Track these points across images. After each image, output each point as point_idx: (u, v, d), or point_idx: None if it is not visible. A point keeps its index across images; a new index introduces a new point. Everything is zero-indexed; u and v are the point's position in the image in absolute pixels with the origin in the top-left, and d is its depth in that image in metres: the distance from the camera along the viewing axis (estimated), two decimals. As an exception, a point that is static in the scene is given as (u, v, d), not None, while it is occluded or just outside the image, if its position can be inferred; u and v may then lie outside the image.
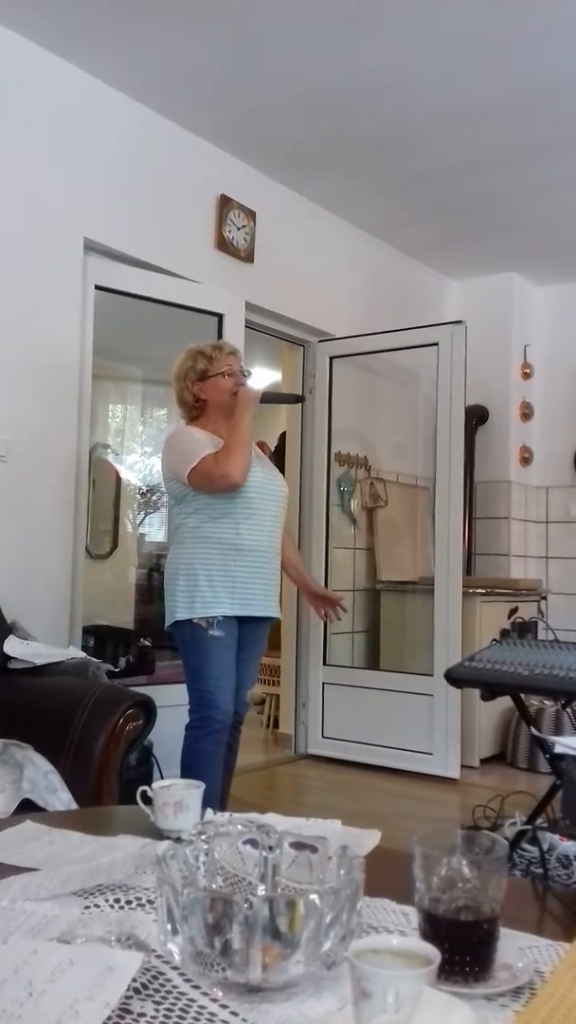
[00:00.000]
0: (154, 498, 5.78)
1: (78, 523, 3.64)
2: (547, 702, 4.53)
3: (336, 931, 0.95)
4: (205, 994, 0.93)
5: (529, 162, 4.31)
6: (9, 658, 2.73)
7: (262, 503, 2.91)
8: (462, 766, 4.50)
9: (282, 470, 4.80)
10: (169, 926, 0.96)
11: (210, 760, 2.81)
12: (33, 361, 3.44)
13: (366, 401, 5.43)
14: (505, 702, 4.29)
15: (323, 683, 4.91)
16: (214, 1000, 0.92)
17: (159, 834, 1.46)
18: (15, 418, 3.37)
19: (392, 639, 5.24)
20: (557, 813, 2.81)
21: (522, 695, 3.05)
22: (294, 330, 4.92)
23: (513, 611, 5.07)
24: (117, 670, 3.74)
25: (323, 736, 4.87)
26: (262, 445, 3.35)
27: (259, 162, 4.42)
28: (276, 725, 5.24)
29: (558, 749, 1.88)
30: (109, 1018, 0.85)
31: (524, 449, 5.94)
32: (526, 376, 5.94)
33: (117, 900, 1.17)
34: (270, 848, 1.15)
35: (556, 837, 2.75)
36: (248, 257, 4.40)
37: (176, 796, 1.47)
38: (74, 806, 2.14)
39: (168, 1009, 0.90)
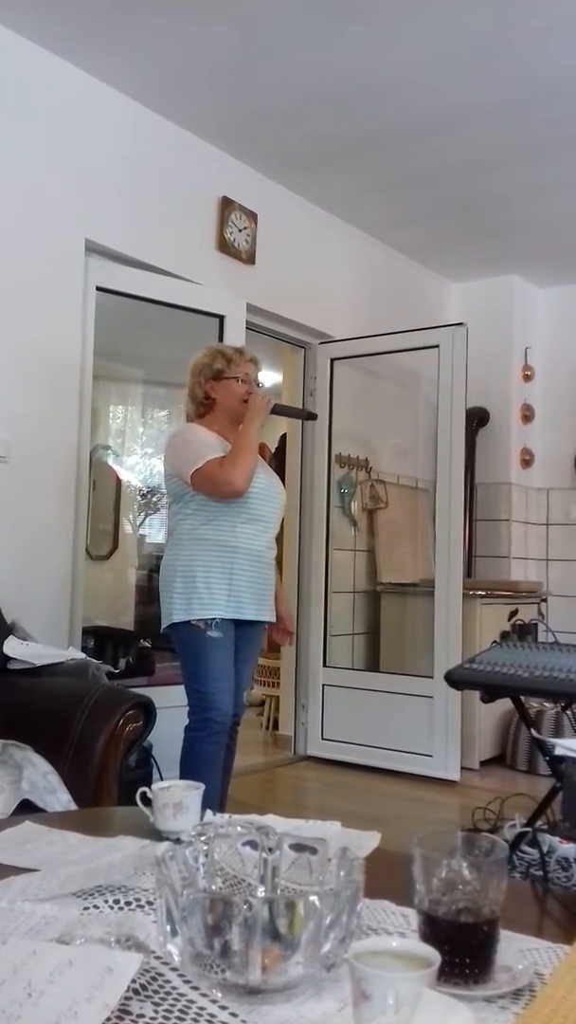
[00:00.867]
0: (154, 499, 5.78)
1: (78, 524, 3.64)
2: (547, 704, 4.53)
3: (336, 933, 0.95)
4: (204, 995, 0.92)
5: (530, 163, 4.32)
6: (9, 659, 2.73)
7: (261, 508, 2.90)
8: (462, 768, 4.49)
9: (283, 472, 4.82)
10: (168, 927, 0.96)
11: (209, 761, 2.81)
12: (34, 362, 3.44)
13: (367, 403, 5.43)
14: (505, 704, 4.29)
15: (323, 685, 4.91)
16: (213, 1001, 0.91)
17: (158, 835, 1.46)
18: (16, 419, 3.37)
19: (392, 641, 5.24)
20: (557, 815, 2.82)
21: (522, 697, 3.05)
22: (295, 332, 4.92)
23: (513, 613, 5.07)
24: (117, 671, 3.74)
25: (323, 738, 4.87)
26: (263, 448, 3.34)
27: (260, 163, 4.42)
28: (276, 727, 5.24)
29: (558, 751, 1.88)
30: (108, 1019, 0.85)
31: (525, 451, 5.94)
32: (527, 378, 5.94)
33: (116, 901, 1.17)
34: (270, 850, 1.15)
35: (556, 839, 2.75)
36: (249, 259, 4.40)
37: (176, 797, 1.47)
38: (73, 807, 2.14)
39: (167, 1010, 0.90)
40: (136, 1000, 0.90)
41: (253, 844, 1.16)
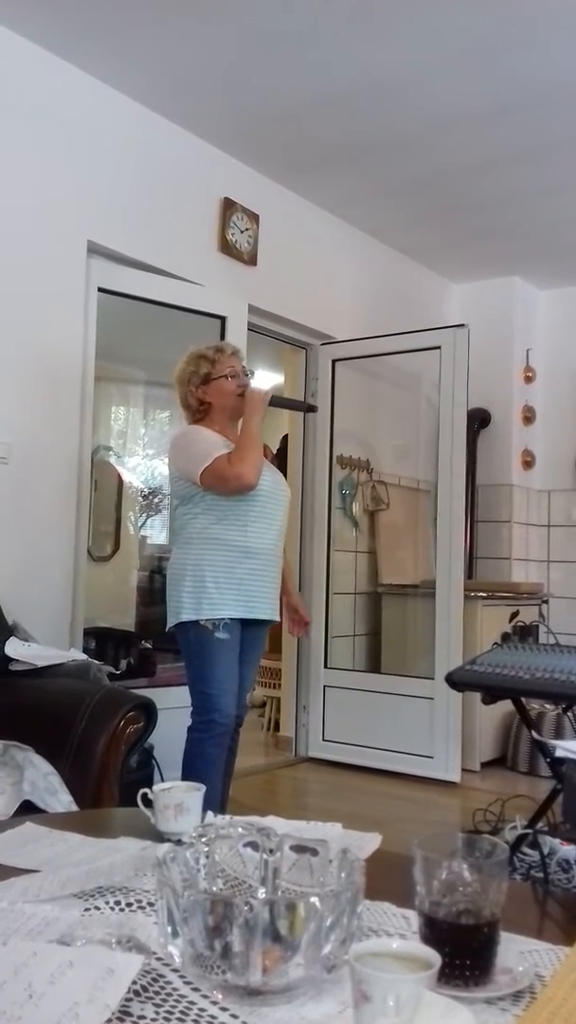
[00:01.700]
0: (156, 500, 5.78)
1: (80, 525, 3.64)
2: (548, 706, 4.53)
3: (336, 934, 0.95)
4: (205, 997, 0.92)
5: (532, 165, 4.32)
6: (10, 660, 2.73)
7: (269, 506, 2.91)
8: (463, 770, 4.49)
9: (284, 473, 4.81)
10: (169, 928, 0.96)
11: (212, 763, 2.81)
12: (36, 363, 3.45)
13: (368, 404, 5.43)
14: (506, 706, 4.29)
15: (324, 686, 4.91)
16: (214, 1003, 0.92)
17: (159, 836, 1.46)
18: (18, 420, 3.38)
19: (393, 642, 5.24)
20: (558, 817, 2.82)
21: (523, 699, 3.05)
22: (297, 333, 4.92)
23: (514, 615, 5.07)
24: (118, 672, 3.74)
25: (324, 739, 4.87)
26: (264, 448, 3.34)
27: (262, 165, 4.42)
28: (277, 728, 5.24)
29: (559, 753, 1.88)
30: (109, 1020, 0.85)
31: (526, 453, 5.94)
32: (528, 380, 5.94)
33: (117, 902, 1.17)
34: (270, 851, 1.15)
35: (556, 841, 2.75)
36: (251, 260, 4.40)
37: (177, 798, 1.47)
38: (74, 808, 2.14)
39: (168, 1011, 0.90)
40: (137, 1001, 0.90)
41: (254, 845, 1.16)
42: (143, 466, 5.97)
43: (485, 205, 4.78)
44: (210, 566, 2.84)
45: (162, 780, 3.01)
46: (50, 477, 3.50)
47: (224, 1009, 0.91)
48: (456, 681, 2.88)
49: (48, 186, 3.51)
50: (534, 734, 3.36)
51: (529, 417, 5.96)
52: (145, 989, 0.93)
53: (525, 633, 4.95)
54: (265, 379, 6.76)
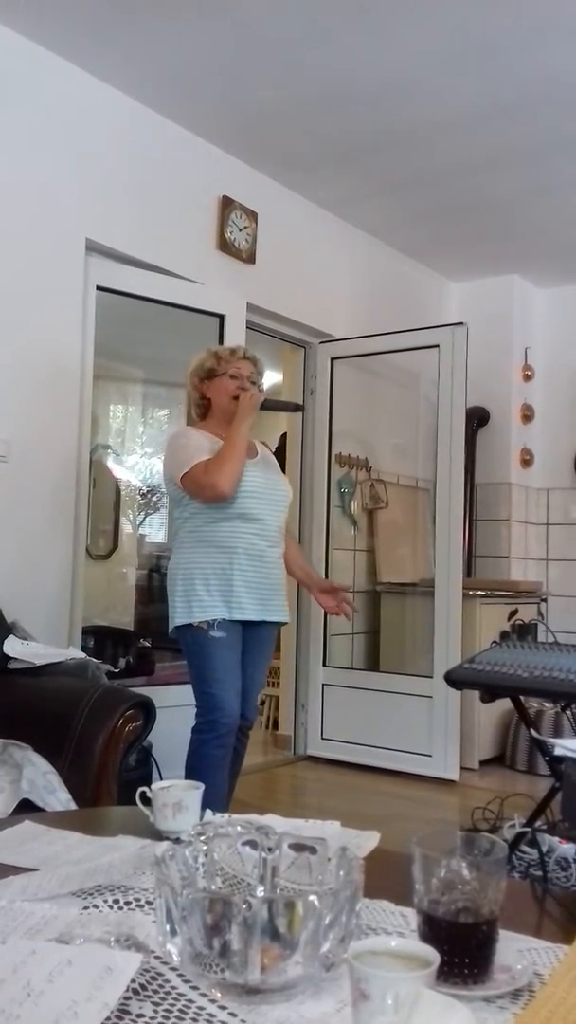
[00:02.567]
0: (154, 499, 5.78)
1: (78, 523, 3.64)
2: (547, 704, 4.53)
3: (335, 932, 0.95)
4: (204, 995, 0.92)
5: (530, 164, 4.32)
6: (9, 658, 2.73)
7: (260, 507, 2.88)
8: (461, 768, 4.49)
9: (283, 471, 4.81)
10: (168, 927, 0.96)
11: (215, 764, 2.78)
12: (34, 361, 3.44)
13: (367, 402, 5.43)
14: (504, 704, 4.29)
15: (323, 684, 4.91)
16: (213, 1001, 0.92)
17: (158, 835, 1.46)
18: (16, 418, 3.37)
19: (392, 641, 5.24)
20: (556, 815, 2.82)
21: (521, 697, 3.05)
22: (295, 331, 4.92)
23: (513, 613, 5.08)
24: (117, 671, 3.74)
25: (322, 737, 4.87)
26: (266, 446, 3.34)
27: (261, 163, 4.42)
28: (275, 726, 5.24)
29: (557, 751, 1.89)
30: (108, 1019, 0.85)
31: (525, 451, 5.94)
32: (527, 378, 5.94)
33: (116, 901, 1.17)
34: (269, 849, 1.15)
35: (555, 839, 2.75)
36: (250, 258, 4.40)
37: (175, 797, 1.47)
38: (73, 806, 2.14)
39: (167, 1010, 0.90)
40: (135, 1000, 0.90)
41: (252, 844, 1.16)
42: (141, 464, 5.96)
43: (484, 204, 4.78)
44: (199, 568, 2.84)
45: (161, 778, 3.01)
46: (49, 475, 3.50)
47: (223, 1007, 0.91)
48: (455, 679, 2.88)
49: (47, 184, 3.50)
50: (533, 732, 3.36)
51: (528, 415, 5.96)
52: (144, 987, 0.93)
53: (524, 631, 4.97)
54: (263, 378, 6.77)
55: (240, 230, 4.34)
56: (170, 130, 4.03)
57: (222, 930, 0.92)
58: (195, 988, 0.93)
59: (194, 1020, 0.88)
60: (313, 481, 5.02)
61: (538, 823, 2.86)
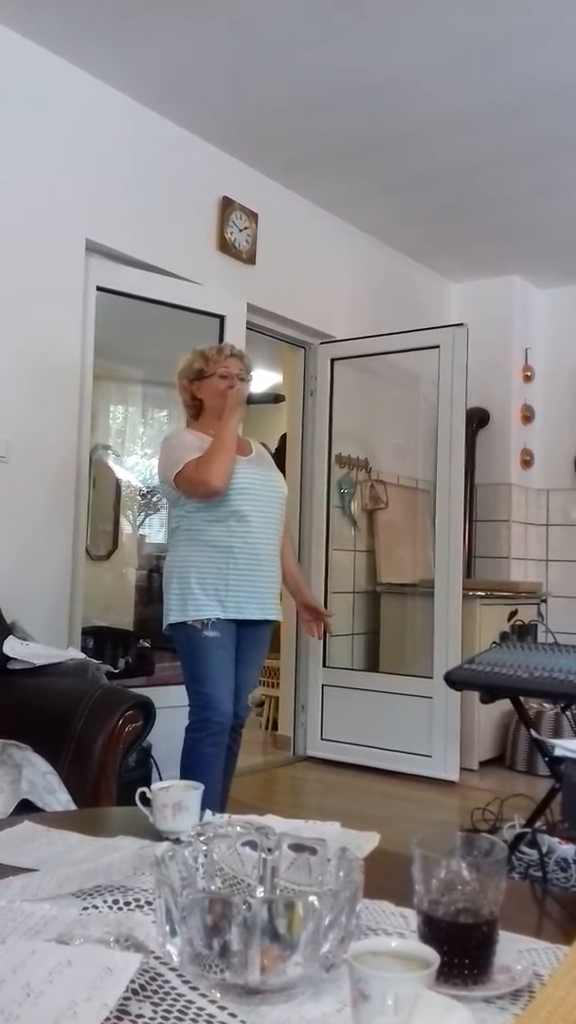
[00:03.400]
0: (154, 499, 5.77)
1: (78, 524, 3.64)
2: (546, 705, 4.53)
3: (335, 933, 0.95)
4: (203, 995, 0.92)
5: (531, 164, 4.32)
6: (8, 659, 2.73)
7: (256, 505, 2.89)
8: (461, 769, 4.49)
9: (282, 472, 4.81)
10: (168, 927, 0.96)
11: (210, 763, 2.80)
12: (34, 362, 3.44)
13: (367, 403, 5.43)
14: (504, 705, 4.29)
15: (322, 685, 4.91)
16: (212, 1002, 0.91)
17: (158, 835, 1.46)
18: (16, 418, 3.37)
19: (392, 641, 5.24)
20: (556, 816, 2.82)
21: (521, 698, 3.05)
22: (295, 332, 4.92)
23: (513, 614, 5.07)
24: (116, 671, 3.73)
25: (322, 738, 4.87)
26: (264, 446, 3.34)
27: (261, 164, 4.42)
28: (275, 727, 5.24)
29: (557, 752, 1.88)
30: (107, 1019, 0.85)
31: (525, 452, 5.94)
32: (527, 379, 5.94)
33: (116, 901, 1.17)
34: (269, 850, 1.15)
35: (555, 840, 2.75)
36: (250, 259, 4.40)
37: (175, 797, 1.47)
38: (72, 807, 2.14)
39: (166, 1010, 0.90)
40: (135, 1000, 0.90)
41: (252, 844, 1.16)
42: (141, 465, 5.96)
43: (484, 204, 4.78)
44: (195, 567, 2.85)
45: (160, 779, 3.02)
46: (48, 476, 3.50)
47: (222, 1008, 0.90)
48: (455, 680, 2.88)
49: (47, 185, 3.50)
50: (533, 733, 3.36)
51: (528, 416, 5.96)
52: (143, 988, 0.93)
53: (524, 632, 4.96)
54: (262, 378, 6.77)
55: (240, 231, 4.34)
56: (170, 130, 4.03)
57: (222, 931, 0.92)
58: (195, 989, 0.93)
59: (194, 1021, 0.88)
60: (313, 482, 5.02)
61: (538, 824, 2.86)
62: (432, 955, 0.84)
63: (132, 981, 0.90)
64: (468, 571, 5.44)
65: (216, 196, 4.25)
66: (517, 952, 1.02)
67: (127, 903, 1.16)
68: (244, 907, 0.91)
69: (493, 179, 4.48)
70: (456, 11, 3.18)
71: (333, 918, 0.94)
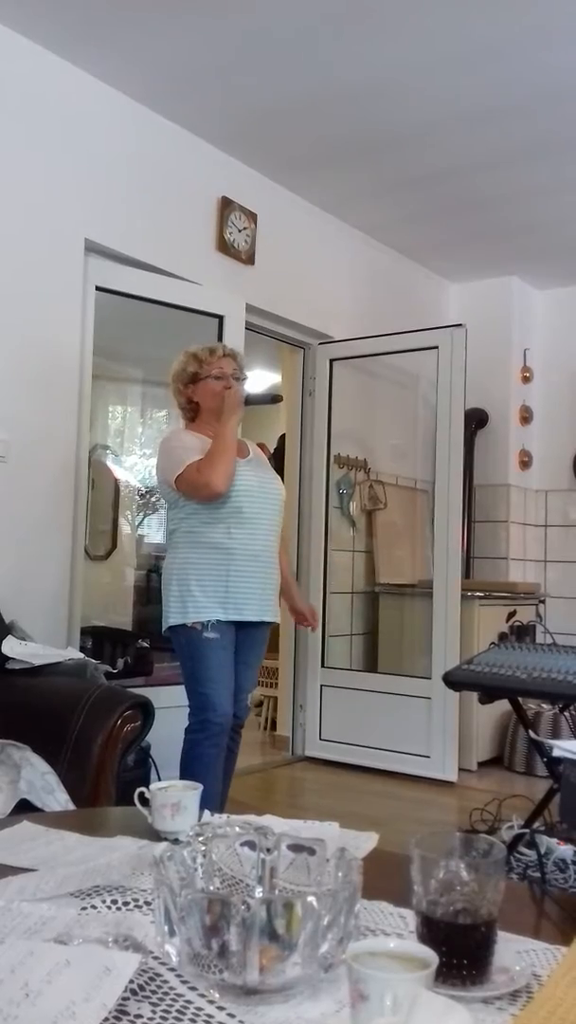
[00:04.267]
0: (153, 499, 5.77)
1: (77, 524, 3.64)
2: (545, 706, 4.53)
3: (333, 933, 0.95)
4: (202, 996, 0.92)
5: (530, 165, 4.32)
6: (7, 658, 2.73)
7: (255, 506, 2.90)
8: (459, 769, 4.49)
9: (281, 472, 4.81)
10: (166, 927, 0.96)
11: (209, 764, 2.81)
12: (33, 361, 3.44)
13: (366, 403, 5.43)
14: (503, 705, 4.30)
15: (321, 685, 4.91)
16: (211, 1002, 0.92)
17: (156, 835, 1.46)
18: (15, 418, 3.37)
19: (390, 642, 5.24)
20: (554, 817, 2.82)
21: (520, 699, 3.05)
22: (294, 332, 4.92)
23: (511, 614, 5.07)
24: (115, 671, 3.73)
25: (321, 738, 4.87)
26: (262, 447, 3.34)
27: (260, 164, 4.42)
28: (273, 727, 5.24)
29: (556, 753, 1.88)
30: (106, 1019, 0.85)
31: (523, 453, 5.94)
32: (526, 380, 5.94)
33: (114, 901, 1.17)
34: (268, 850, 1.15)
35: (553, 841, 2.75)
36: (249, 259, 4.40)
37: (174, 798, 1.47)
38: (71, 807, 2.14)
39: (165, 1011, 0.90)
40: (134, 1000, 0.90)
41: (251, 845, 1.16)
42: (140, 465, 5.96)
43: (483, 205, 4.78)
44: (195, 568, 2.85)
45: (159, 779, 3.01)
46: (47, 476, 3.50)
47: (221, 1008, 0.91)
48: (453, 681, 2.88)
49: (45, 184, 3.50)
50: (531, 734, 3.36)
51: (526, 417, 5.96)
52: (142, 988, 0.93)
53: (522, 633, 4.97)
54: (261, 379, 6.77)
55: (239, 231, 4.34)
56: (170, 130, 4.03)
57: (220, 931, 0.92)
58: (193, 989, 0.93)
59: (192, 1021, 0.88)
60: (312, 482, 5.02)
61: (536, 824, 2.86)
62: (431, 956, 0.84)
63: (131, 981, 0.91)
64: (467, 572, 5.44)
65: (215, 196, 4.25)
66: (515, 953, 1.02)
67: (126, 903, 1.16)
68: (243, 907, 0.91)
69: (492, 179, 4.48)
70: (456, 11, 3.18)
71: (332, 918, 0.94)
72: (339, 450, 5.13)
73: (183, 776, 2.70)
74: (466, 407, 4.75)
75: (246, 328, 4.33)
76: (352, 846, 1.29)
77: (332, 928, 0.94)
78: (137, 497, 5.82)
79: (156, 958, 0.98)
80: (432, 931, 0.96)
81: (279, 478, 3.16)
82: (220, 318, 4.20)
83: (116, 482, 5.63)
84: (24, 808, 2.05)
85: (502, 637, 4.84)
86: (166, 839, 1.42)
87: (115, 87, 3.76)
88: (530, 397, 5.98)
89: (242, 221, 4.35)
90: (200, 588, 2.83)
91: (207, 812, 1.52)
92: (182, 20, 3.28)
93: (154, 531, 5.89)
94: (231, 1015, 0.90)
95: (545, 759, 3.09)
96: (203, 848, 1.13)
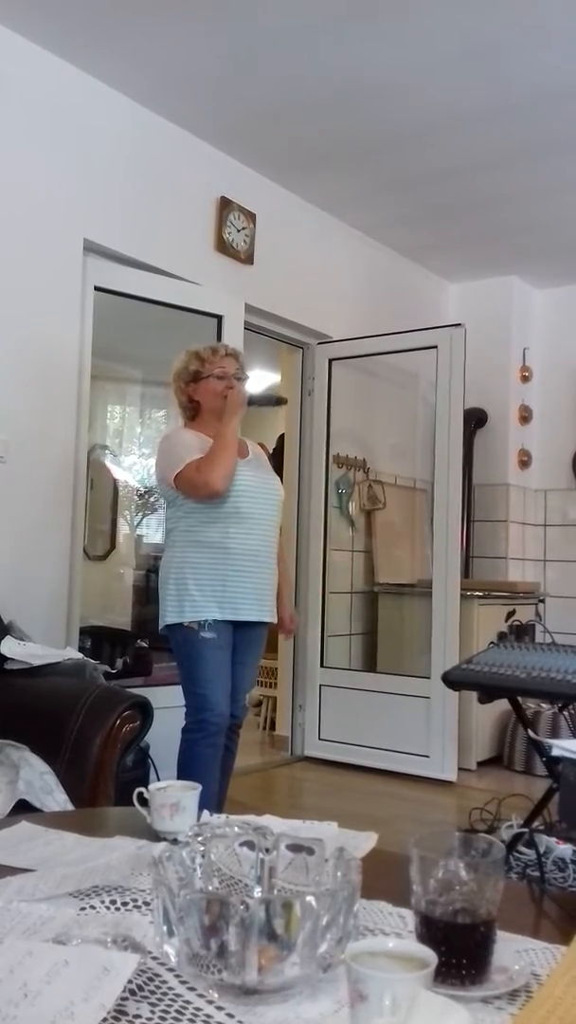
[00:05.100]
0: (152, 499, 5.77)
1: (76, 524, 3.64)
2: (544, 705, 4.53)
3: (332, 933, 0.95)
4: (201, 996, 0.92)
5: (529, 164, 4.32)
6: (6, 659, 2.73)
7: (253, 506, 2.89)
8: (459, 769, 4.50)
9: (280, 472, 4.81)
10: (165, 928, 0.96)
11: (207, 763, 2.80)
12: (32, 361, 3.44)
13: (365, 403, 5.43)
14: (502, 705, 4.29)
15: (320, 685, 4.91)
16: (210, 1002, 0.91)
17: (155, 836, 1.45)
18: (14, 418, 3.37)
19: (389, 641, 5.24)
20: (554, 816, 2.82)
21: (519, 698, 3.05)
22: (293, 332, 4.92)
23: (511, 614, 5.07)
24: (114, 671, 3.73)
25: (320, 738, 4.87)
26: (261, 447, 3.34)
27: (259, 164, 4.42)
28: (273, 727, 5.24)
29: (555, 752, 1.88)
30: (104, 1020, 0.85)
31: (523, 452, 5.94)
32: (525, 379, 5.94)
33: (113, 901, 1.16)
34: (267, 850, 1.15)
35: (552, 840, 2.75)
36: (248, 259, 4.40)
37: (172, 798, 1.47)
38: (70, 807, 2.14)
39: (163, 1011, 0.89)
40: (132, 1000, 0.90)
41: (250, 844, 1.16)
42: (139, 465, 5.96)
43: (482, 204, 4.78)
44: (192, 568, 2.84)
45: (158, 779, 3.01)
46: (46, 475, 3.50)
47: (220, 1008, 0.90)
48: (452, 680, 2.88)
49: (45, 185, 3.50)
50: (530, 733, 3.36)
51: (526, 416, 5.96)
52: (141, 988, 0.93)
53: (521, 632, 4.96)
54: (260, 378, 6.77)
55: (238, 231, 4.34)
56: (169, 130, 4.03)
57: (219, 931, 0.91)
58: (192, 989, 0.93)
59: (191, 1021, 0.88)
60: (311, 482, 5.02)
61: (535, 824, 2.86)
62: (430, 955, 0.84)
63: (129, 981, 0.90)
64: (466, 571, 5.44)
65: (214, 196, 4.25)
66: (515, 952, 1.02)
67: (124, 903, 1.16)
68: (241, 907, 0.91)
69: (491, 179, 4.48)
70: (456, 11, 3.18)
71: (331, 918, 0.94)
72: (338, 450, 5.13)
73: (180, 776, 2.70)
74: (465, 406, 4.75)
75: (245, 328, 4.33)
76: (351, 846, 1.29)
77: (331, 928, 0.94)
78: (136, 497, 5.82)
79: (155, 958, 0.98)
80: (431, 931, 0.96)
81: (278, 478, 3.16)
82: (219, 318, 4.20)
83: (115, 482, 5.63)
84: (23, 808, 2.05)
85: (501, 636, 4.84)
86: (165, 839, 1.42)
87: (114, 87, 3.76)
88: (529, 396, 5.98)
89: (241, 221, 4.35)
90: (197, 587, 2.83)
91: (206, 812, 1.52)
92: (181, 21, 3.28)
93: (153, 531, 5.88)
94: (230, 1015, 0.89)
95: (544, 758, 3.09)
96: (202, 848, 1.13)
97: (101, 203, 3.73)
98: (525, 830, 2.83)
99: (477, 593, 4.90)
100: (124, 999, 0.89)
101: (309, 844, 1.14)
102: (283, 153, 4.30)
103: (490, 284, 5.88)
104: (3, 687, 2.62)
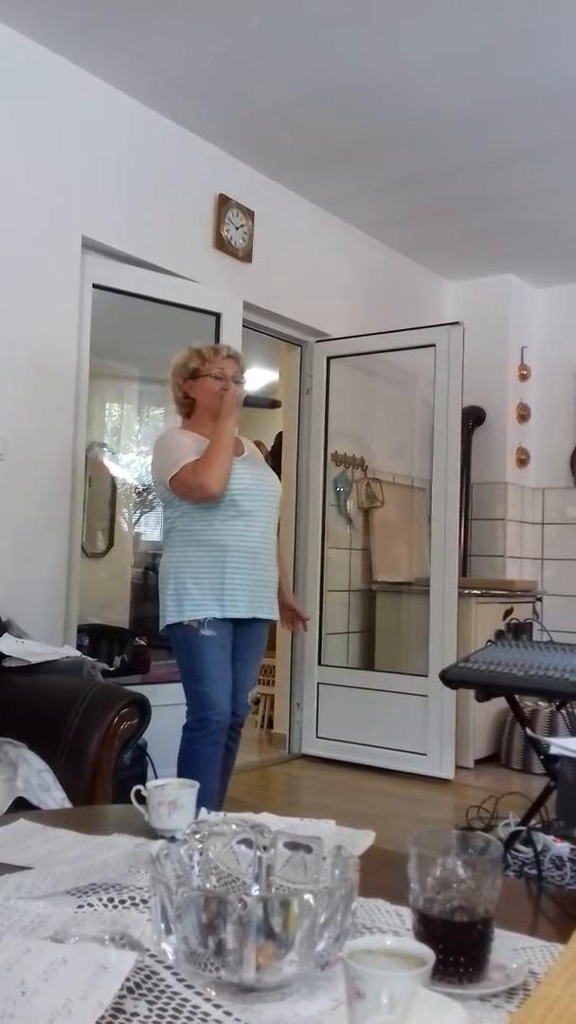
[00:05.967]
0: (150, 497, 5.77)
1: (74, 521, 3.63)
2: (542, 703, 4.54)
3: (330, 931, 0.95)
4: (199, 994, 0.92)
5: (528, 163, 4.32)
6: (4, 656, 2.73)
7: (251, 504, 2.89)
8: (456, 767, 4.50)
9: (278, 470, 4.81)
10: (163, 925, 0.96)
11: (207, 762, 2.80)
12: (30, 359, 3.44)
13: (363, 401, 5.43)
14: (499, 703, 4.30)
15: (318, 683, 4.91)
16: (207, 1000, 0.91)
17: (153, 833, 1.45)
18: (11, 416, 3.37)
19: (387, 639, 5.24)
20: (551, 814, 2.82)
21: (517, 696, 3.05)
22: (292, 330, 4.92)
23: (508, 612, 5.08)
24: (112, 669, 3.73)
25: (317, 736, 4.87)
26: (259, 444, 3.34)
27: (258, 162, 4.42)
28: (270, 725, 5.24)
29: (552, 750, 1.88)
30: (102, 1017, 0.85)
31: (520, 450, 5.95)
32: (523, 377, 5.94)
33: (111, 899, 1.16)
34: (264, 848, 1.15)
35: (550, 838, 2.75)
36: (246, 257, 4.40)
37: (170, 795, 1.47)
38: (68, 805, 2.14)
39: (161, 1009, 0.89)
40: (130, 998, 0.90)
41: (248, 842, 1.16)
42: (137, 463, 5.96)
43: (481, 203, 4.78)
44: (190, 567, 2.84)
45: (156, 777, 3.01)
46: (44, 473, 3.50)
47: (217, 1006, 0.90)
48: (450, 678, 2.88)
49: (43, 182, 3.50)
50: (528, 731, 3.37)
51: (524, 415, 5.96)
52: (139, 986, 0.93)
53: (519, 630, 4.97)
54: (258, 377, 6.77)
55: (237, 228, 4.34)
56: (167, 128, 4.03)
57: (217, 929, 0.91)
58: (190, 987, 0.93)
59: (189, 1019, 0.88)
60: (309, 480, 5.02)
61: (533, 822, 2.86)
62: (427, 953, 0.84)
63: (127, 979, 0.90)
64: (464, 569, 5.45)
65: (213, 193, 4.24)
66: (512, 950, 1.02)
67: (122, 901, 1.16)
68: (239, 905, 0.91)
69: (490, 178, 4.48)
70: (457, 10, 3.17)
71: (328, 916, 0.94)
72: (336, 448, 5.12)
73: (180, 774, 2.70)
74: (463, 405, 4.75)
75: (243, 326, 4.33)
76: (349, 844, 1.29)
77: (329, 926, 0.94)
78: (134, 495, 5.82)
79: (152, 956, 0.98)
80: (429, 928, 0.96)
81: (275, 475, 3.15)
82: (217, 316, 4.20)
83: (113, 480, 5.63)
84: (21, 806, 2.05)
85: (499, 635, 4.84)
86: (163, 837, 1.42)
87: (113, 84, 3.75)
88: (527, 395, 5.98)
89: (239, 218, 4.35)
90: (196, 586, 2.83)
91: (204, 810, 1.52)
92: (180, 18, 3.27)
93: (151, 529, 5.89)
94: (227, 1013, 0.89)
95: (542, 756, 3.09)
96: (199, 846, 1.13)
97: (99, 201, 3.72)
98: (523, 828, 2.83)
99: (475, 591, 4.90)
100: (122, 997, 0.89)
101: (307, 842, 1.14)
102: (282, 151, 4.30)
103: (488, 282, 5.88)
104: (1, 685, 2.62)
